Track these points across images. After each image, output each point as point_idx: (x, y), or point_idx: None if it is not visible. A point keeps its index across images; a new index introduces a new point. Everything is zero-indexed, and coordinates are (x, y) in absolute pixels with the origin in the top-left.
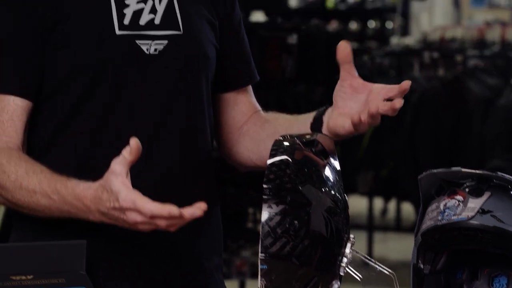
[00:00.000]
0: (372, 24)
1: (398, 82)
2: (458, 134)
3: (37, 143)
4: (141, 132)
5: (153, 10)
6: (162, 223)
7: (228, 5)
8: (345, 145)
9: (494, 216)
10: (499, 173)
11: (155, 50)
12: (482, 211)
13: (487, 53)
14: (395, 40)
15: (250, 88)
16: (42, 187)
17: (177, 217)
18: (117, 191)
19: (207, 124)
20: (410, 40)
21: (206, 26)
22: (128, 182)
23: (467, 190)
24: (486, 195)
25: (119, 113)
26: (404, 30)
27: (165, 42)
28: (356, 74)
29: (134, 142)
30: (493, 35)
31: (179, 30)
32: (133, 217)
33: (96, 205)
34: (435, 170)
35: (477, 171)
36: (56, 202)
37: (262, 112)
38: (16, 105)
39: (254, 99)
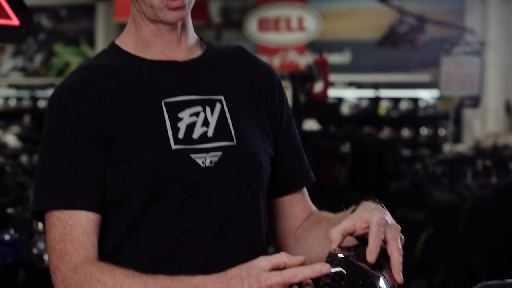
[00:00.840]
0: (424, 131)
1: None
2: None
3: (102, 252)
4: (199, 243)
5: (206, 123)
6: None
7: (279, 109)
8: None
9: None
10: None
11: (211, 162)
12: None
13: None
14: (447, 147)
15: (304, 189)
16: (149, 286)
17: None
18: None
19: (263, 230)
20: (463, 147)
21: (259, 134)
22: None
23: None
24: None
25: (178, 226)
26: (457, 137)
27: (219, 153)
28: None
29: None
30: None
31: (233, 141)
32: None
33: (223, 284)
34: (489, 282)
35: None
36: None
37: (316, 212)
38: (89, 219)
39: (308, 201)
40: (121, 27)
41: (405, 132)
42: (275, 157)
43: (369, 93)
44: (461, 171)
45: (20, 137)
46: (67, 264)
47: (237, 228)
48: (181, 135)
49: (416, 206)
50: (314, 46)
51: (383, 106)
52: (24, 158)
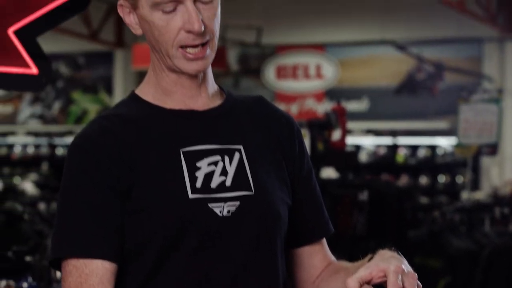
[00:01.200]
0: (442, 178)
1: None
2: None
3: None
4: None
5: (224, 172)
6: None
7: (298, 158)
8: None
9: None
10: None
11: (228, 211)
12: None
13: None
14: (465, 195)
15: (324, 240)
16: None
17: None
18: None
19: (281, 280)
20: (481, 195)
21: (277, 184)
22: None
23: None
24: None
25: (195, 275)
26: (475, 185)
27: (237, 203)
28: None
29: None
30: None
31: (251, 190)
32: None
33: None
34: None
35: None
36: None
37: (335, 261)
38: (105, 269)
39: (327, 251)
40: (139, 74)
41: (423, 180)
42: (294, 207)
43: (387, 140)
44: (479, 219)
45: (38, 184)
46: None
47: (255, 277)
48: (198, 184)
49: (434, 254)
50: (332, 93)
51: (401, 154)
52: (42, 206)
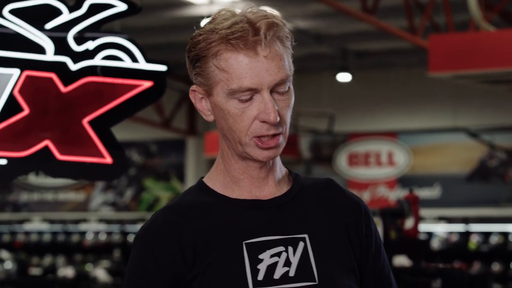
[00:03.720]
0: None
1: None
2: None
3: None
4: None
5: (287, 263)
6: None
7: (365, 238)
8: None
9: None
10: None
11: None
12: None
13: None
14: None
15: None
16: None
17: None
18: None
19: None
20: None
21: (344, 272)
22: None
23: None
24: None
25: None
26: None
27: None
28: None
29: None
30: None
31: (315, 281)
32: None
33: None
34: None
35: None
36: None
37: None
38: None
39: None
40: (211, 162)
41: (496, 267)
42: (362, 285)
43: (459, 227)
44: None
45: (110, 271)
46: None
47: None
48: (260, 277)
49: None
50: (404, 180)
51: (473, 241)
52: None
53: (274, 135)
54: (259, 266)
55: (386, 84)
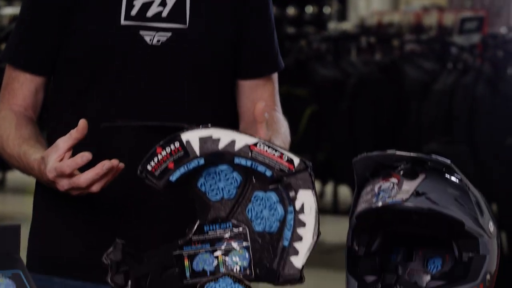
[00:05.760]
0: (309, 9)
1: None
2: (396, 118)
3: (57, 112)
4: (140, 118)
5: (163, 3)
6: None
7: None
8: None
9: (429, 198)
10: (433, 156)
11: (158, 41)
12: (416, 194)
13: (424, 38)
14: (332, 25)
15: (272, 81)
16: (15, 150)
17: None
18: (47, 163)
19: (211, 113)
20: (348, 25)
21: (220, 20)
22: (66, 156)
23: (401, 172)
24: (421, 177)
25: (121, 99)
26: (342, 15)
27: (169, 34)
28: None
29: (82, 122)
30: (430, 20)
31: (185, 24)
32: (62, 184)
33: (41, 174)
34: (369, 153)
35: (411, 154)
36: (23, 166)
37: (276, 112)
38: (27, 78)
39: (275, 95)
40: None
41: (291, 10)
42: (243, 41)
43: None
44: (346, 48)
45: None
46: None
47: (179, 110)
48: (134, 12)
49: (300, 83)
50: None
51: None
52: None
53: None
54: (134, 2)
55: None
